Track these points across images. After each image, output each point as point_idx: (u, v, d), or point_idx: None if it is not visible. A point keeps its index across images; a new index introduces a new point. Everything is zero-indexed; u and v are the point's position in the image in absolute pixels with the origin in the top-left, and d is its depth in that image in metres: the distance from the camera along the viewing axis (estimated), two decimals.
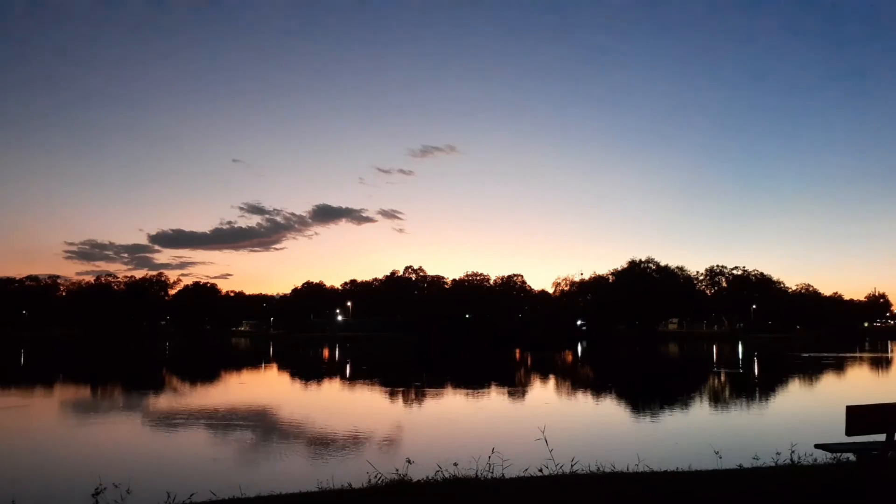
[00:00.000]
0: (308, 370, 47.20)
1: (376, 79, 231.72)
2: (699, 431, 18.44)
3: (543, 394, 30.77)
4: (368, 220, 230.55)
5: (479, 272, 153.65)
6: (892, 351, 75.76)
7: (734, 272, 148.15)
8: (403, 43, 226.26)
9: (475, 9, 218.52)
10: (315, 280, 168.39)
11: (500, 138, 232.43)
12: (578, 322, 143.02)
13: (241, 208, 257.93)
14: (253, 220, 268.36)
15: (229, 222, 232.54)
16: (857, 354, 64.61)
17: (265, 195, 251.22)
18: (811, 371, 42.01)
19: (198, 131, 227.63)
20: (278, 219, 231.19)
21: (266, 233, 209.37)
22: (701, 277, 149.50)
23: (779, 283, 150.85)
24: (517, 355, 66.41)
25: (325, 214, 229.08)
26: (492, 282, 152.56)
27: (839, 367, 46.90)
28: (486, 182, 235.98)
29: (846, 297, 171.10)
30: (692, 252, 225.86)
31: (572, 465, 10.10)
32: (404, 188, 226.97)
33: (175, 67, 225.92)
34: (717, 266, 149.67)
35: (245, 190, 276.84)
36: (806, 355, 58.56)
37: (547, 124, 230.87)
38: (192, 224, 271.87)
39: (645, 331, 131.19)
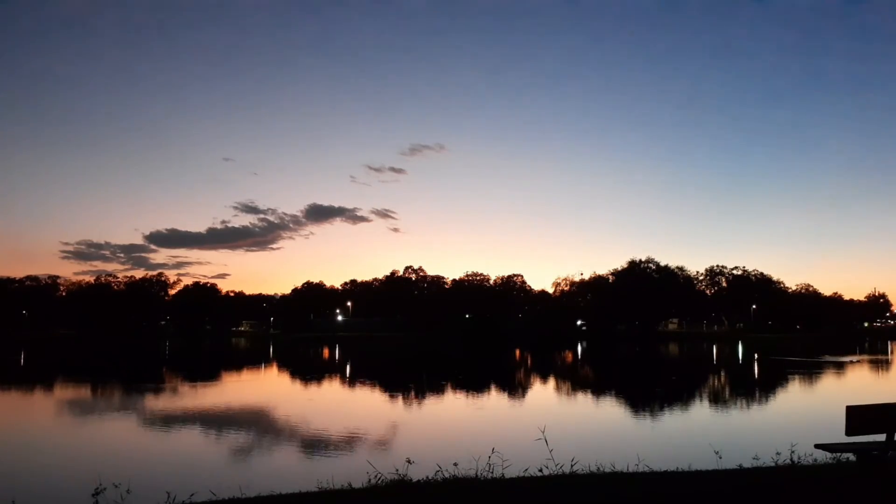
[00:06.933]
0: (308, 370, 47.18)
1: (366, 77, 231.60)
2: (699, 431, 18.44)
3: (543, 394, 30.76)
4: (363, 219, 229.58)
5: (479, 272, 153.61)
6: (892, 352, 75.61)
7: (734, 272, 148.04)
8: (391, 41, 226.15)
9: (465, 7, 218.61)
10: (314, 280, 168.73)
11: (491, 137, 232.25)
12: (578, 322, 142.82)
13: (235, 207, 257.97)
14: (247, 220, 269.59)
15: (223, 221, 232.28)
16: (847, 359, 64.04)
17: (258, 194, 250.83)
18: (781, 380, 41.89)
19: (190, 130, 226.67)
20: (272, 218, 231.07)
21: (261, 232, 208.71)
22: (701, 277, 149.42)
23: (779, 283, 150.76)
24: (517, 355, 66.39)
25: (319, 214, 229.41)
26: (492, 282, 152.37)
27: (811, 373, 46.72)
28: (478, 181, 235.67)
29: (846, 297, 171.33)
30: (692, 252, 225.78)
31: (572, 465, 10.09)
32: (396, 187, 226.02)
33: (167, 67, 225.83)
34: (717, 266, 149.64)
35: (238, 189, 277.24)
36: (777, 359, 55.53)
37: (543, 124, 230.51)
38: (187, 223, 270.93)
39: (645, 331, 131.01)
